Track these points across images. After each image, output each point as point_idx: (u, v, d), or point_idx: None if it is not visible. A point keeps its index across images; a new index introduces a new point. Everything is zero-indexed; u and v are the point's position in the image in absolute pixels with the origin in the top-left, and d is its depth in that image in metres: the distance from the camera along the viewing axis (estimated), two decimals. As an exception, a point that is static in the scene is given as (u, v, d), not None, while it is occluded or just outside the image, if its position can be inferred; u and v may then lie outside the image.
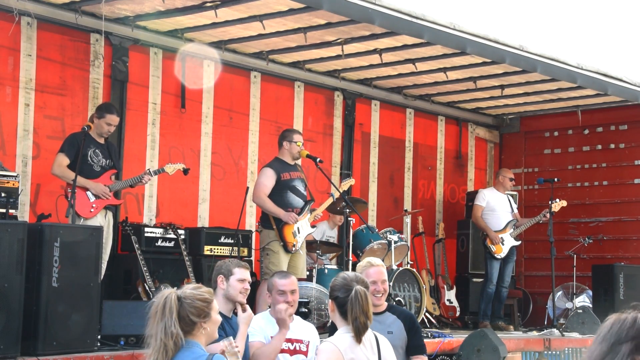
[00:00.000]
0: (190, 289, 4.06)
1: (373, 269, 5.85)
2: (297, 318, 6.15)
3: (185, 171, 8.30)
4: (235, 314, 5.58)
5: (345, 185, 9.24)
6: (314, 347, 5.85)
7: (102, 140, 7.96)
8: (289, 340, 5.85)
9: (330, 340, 4.57)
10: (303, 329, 6.04)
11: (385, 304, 5.92)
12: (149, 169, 8.27)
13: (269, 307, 6.05)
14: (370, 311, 4.54)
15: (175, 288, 4.09)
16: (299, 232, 8.35)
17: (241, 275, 5.62)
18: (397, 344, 5.67)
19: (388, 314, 5.86)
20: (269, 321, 5.88)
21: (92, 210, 7.71)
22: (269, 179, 8.37)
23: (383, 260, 9.88)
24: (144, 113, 9.46)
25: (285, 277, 6.04)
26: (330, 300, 4.64)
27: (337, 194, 8.91)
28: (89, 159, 7.81)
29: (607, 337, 2.59)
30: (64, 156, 7.72)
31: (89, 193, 7.72)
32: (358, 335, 4.47)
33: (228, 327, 5.37)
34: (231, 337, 4.48)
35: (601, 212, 12.60)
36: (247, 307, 5.56)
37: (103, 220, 7.78)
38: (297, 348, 5.90)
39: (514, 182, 11.59)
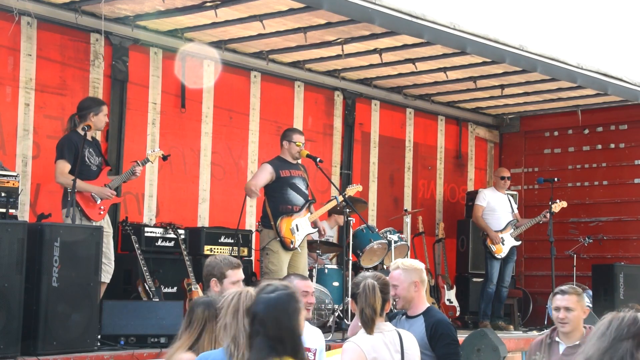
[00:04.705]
0: None
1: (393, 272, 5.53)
2: (305, 323, 6.07)
3: (165, 157, 8.22)
4: None
5: (351, 191, 9.18)
6: (321, 354, 5.84)
7: (90, 138, 7.87)
8: None
9: (353, 339, 4.57)
10: (311, 337, 5.96)
11: (425, 307, 5.53)
12: (136, 161, 8.13)
13: None
14: (376, 304, 4.48)
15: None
16: (297, 230, 8.34)
17: (235, 277, 5.46)
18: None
19: (419, 318, 5.49)
20: None
21: (101, 212, 7.68)
22: (265, 172, 8.43)
23: (383, 261, 9.99)
24: (144, 113, 9.45)
25: (304, 279, 5.89)
26: (351, 300, 4.63)
27: (340, 198, 8.89)
28: (87, 160, 7.70)
29: (606, 334, 2.59)
30: (64, 163, 7.54)
31: (94, 195, 7.63)
32: (366, 328, 4.46)
33: None
34: None
35: (601, 212, 12.59)
36: None
37: (103, 221, 7.77)
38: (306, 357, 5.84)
39: (505, 180, 11.50)
